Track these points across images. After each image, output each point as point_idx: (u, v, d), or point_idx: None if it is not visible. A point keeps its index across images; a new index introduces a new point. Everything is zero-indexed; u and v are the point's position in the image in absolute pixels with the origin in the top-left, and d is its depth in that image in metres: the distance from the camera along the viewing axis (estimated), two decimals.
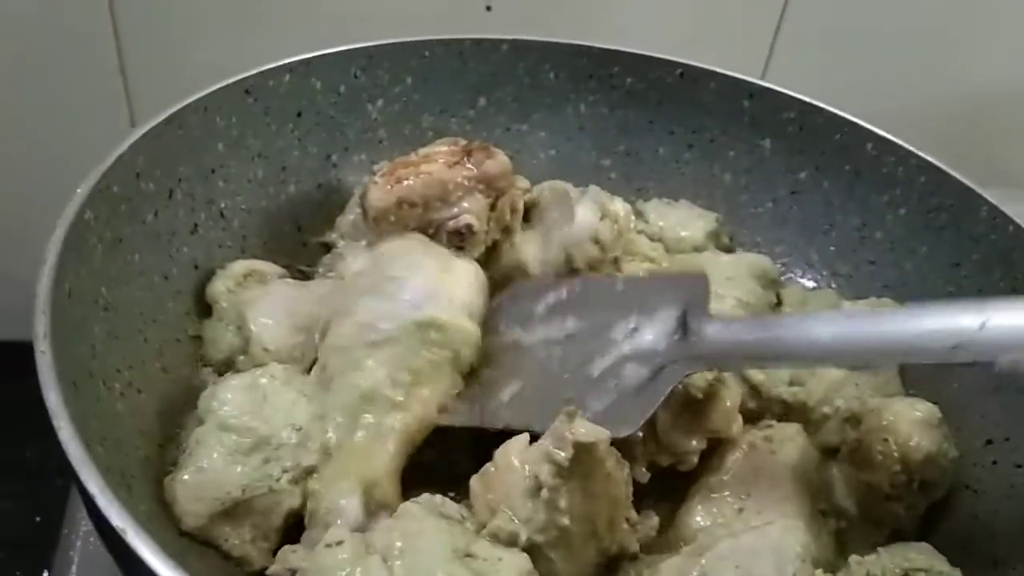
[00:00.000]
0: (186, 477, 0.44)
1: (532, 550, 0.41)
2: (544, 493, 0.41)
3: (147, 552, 0.30)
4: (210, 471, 0.44)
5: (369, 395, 0.46)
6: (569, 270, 0.57)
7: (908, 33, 0.94)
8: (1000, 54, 0.97)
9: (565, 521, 0.41)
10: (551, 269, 0.57)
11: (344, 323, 0.49)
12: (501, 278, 0.57)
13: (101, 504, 0.31)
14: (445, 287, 0.50)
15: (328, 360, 0.48)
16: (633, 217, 0.62)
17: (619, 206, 0.59)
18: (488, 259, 0.57)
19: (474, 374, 0.50)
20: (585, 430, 0.41)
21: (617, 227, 0.58)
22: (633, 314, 0.50)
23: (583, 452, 0.41)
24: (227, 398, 0.46)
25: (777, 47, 0.94)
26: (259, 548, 0.45)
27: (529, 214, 0.61)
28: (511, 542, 0.41)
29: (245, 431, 0.45)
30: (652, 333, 0.48)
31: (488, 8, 0.90)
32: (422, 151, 0.60)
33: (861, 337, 0.43)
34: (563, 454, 0.41)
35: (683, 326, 0.48)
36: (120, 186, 0.48)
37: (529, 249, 0.58)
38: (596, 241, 0.57)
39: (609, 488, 0.43)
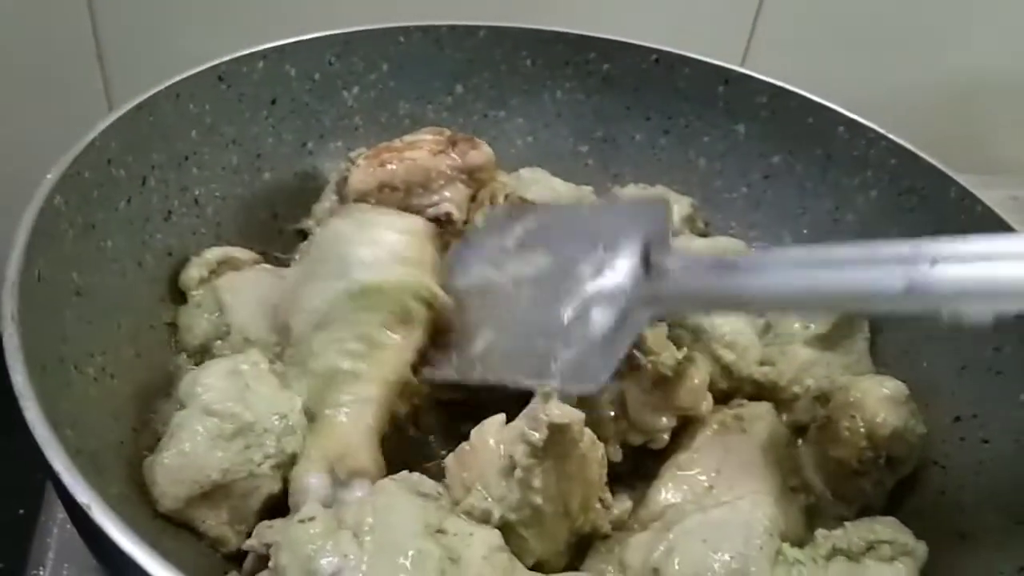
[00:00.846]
0: (166, 459, 0.44)
1: (505, 528, 0.41)
2: (518, 473, 0.42)
3: (112, 528, 0.30)
4: (191, 454, 0.44)
5: (328, 375, 0.46)
6: None
7: (887, 20, 0.95)
8: (978, 43, 0.97)
9: (538, 500, 0.42)
10: None
11: (295, 317, 0.49)
12: None
13: (67, 481, 0.31)
14: (372, 250, 0.50)
15: (293, 353, 0.49)
16: None
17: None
18: None
19: (444, 321, 0.50)
20: (559, 411, 0.41)
21: None
22: (599, 247, 0.49)
23: (557, 433, 0.41)
24: (210, 383, 0.46)
25: (756, 34, 0.94)
26: (235, 530, 0.45)
27: None
28: (484, 519, 0.41)
29: (228, 416, 0.45)
30: (617, 269, 0.48)
31: None
32: (407, 138, 0.60)
33: (818, 283, 0.42)
34: (537, 435, 0.41)
35: (646, 260, 0.47)
36: (91, 172, 0.48)
37: None
38: None
39: (583, 469, 0.43)
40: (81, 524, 0.32)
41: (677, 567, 0.41)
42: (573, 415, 0.42)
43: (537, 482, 0.42)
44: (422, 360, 0.49)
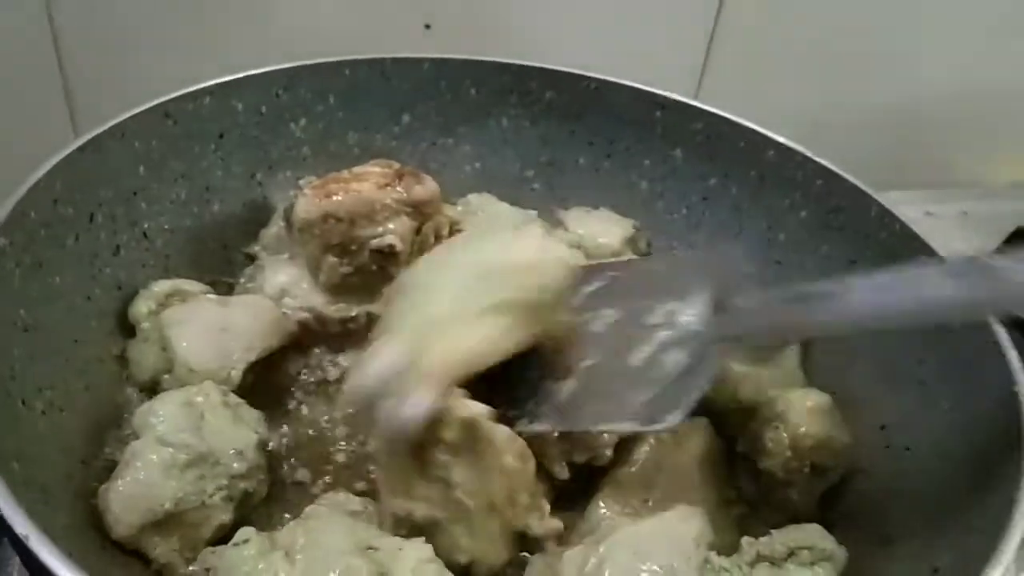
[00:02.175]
0: (121, 487, 0.45)
1: (434, 527, 0.43)
2: (437, 471, 0.43)
3: (50, 557, 0.31)
4: (145, 483, 0.45)
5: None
6: None
7: (838, 47, 0.99)
8: (929, 65, 1.02)
9: (459, 494, 0.43)
10: None
11: None
12: None
13: (7, 514, 0.33)
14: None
15: None
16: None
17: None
18: None
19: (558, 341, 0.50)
20: (465, 406, 0.43)
21: None
22: (670, 297, 0.50)
23: (468, 427, 0.43)
24: (165, 414, 0.47)
25: (709, 64, 0.98)
26: (185, 558, 0.46)
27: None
28: (412, 523, 0.43)
29: (182, 447, 0.46)
30: (688, 315, 0.49)
31: (427, 27, 0.93)
32: (355, 169, 0.62)
33: (891, 305, 0.44)
34: (450, 433, 0.43)
35: (717, 304, 0.48)
36: (37, 212, 0.49)
37: None
38: None
39: (501, 461, 0.44)
40: (23, 555, 0.33)
41: None
42: (478, 408, 0.43)
43: (456, 477, 0.43)
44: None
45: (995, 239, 0.94)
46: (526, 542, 0.47)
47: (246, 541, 0.40)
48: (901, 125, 1.06)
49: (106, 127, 0.55)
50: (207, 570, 0.42)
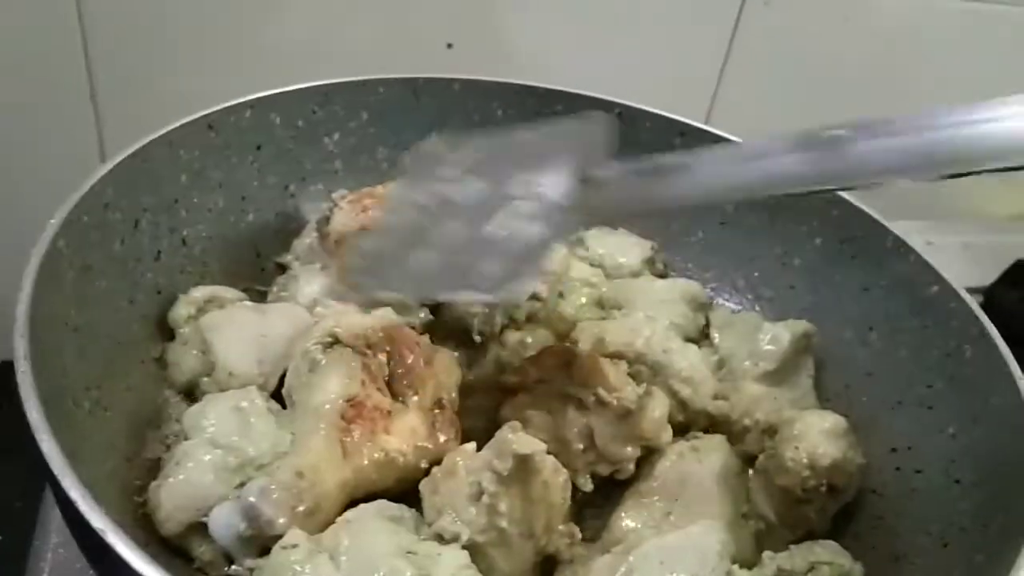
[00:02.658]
0: (173, 485, 0.46)
1: (473, 549, 0.45)
2: (485, 499, 0.45)
3: (125, 549, 0.33)
4: (196, 483, 0.46)
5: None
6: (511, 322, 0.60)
7: (845, 77, 1.01)
8: (931, 99, 1.04)
9: (504, 524, 0.45)
10: (494, 329, 0.60)
11: None
12: (445, 336, 0.59)
13: (83, 509, 0.34)
14: None
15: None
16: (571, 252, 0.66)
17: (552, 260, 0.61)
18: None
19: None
20: (524, 442, 0.45)
21: (554, 277, 0.62)
22: (533, 168, 0.49)
23: (522, 462, 0.45)
24: (216, 418, 0.49)
25: (720, 92, 1.00)
26: (226, 557, 0.47)
27: None
28: (453, 541, 0.44)
29: (233, 450, 0.47)
30: (549, 186, 0.48)
31: (449, 46, 0.95)
32: (390, 185, 0.63)
33: (739, 177, 0.44)
34: (503, 465, 0.44)
35: (582, 175, 0.48)
36: (90, 216, 0.51)
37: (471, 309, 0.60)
38: (534, 298, 0.61)
39: (546, 494, 0.47)
40: (91, 550, 0.35)
41: None
42: (535, 446, 0.45)
43: (503, 507, 0.45)
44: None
45: (995, 271, 0.97)
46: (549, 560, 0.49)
47: (295, 545, 0.41)
48: None
49: (153, 136, 0.57)
50: (250, 570, 0.43)
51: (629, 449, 0.53)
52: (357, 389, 0.49)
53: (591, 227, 0.50)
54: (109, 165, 0.53)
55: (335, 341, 0.50)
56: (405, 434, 0.50)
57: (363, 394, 0.49)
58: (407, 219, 0.51)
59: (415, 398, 0.52)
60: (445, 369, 0.55)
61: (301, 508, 0.44)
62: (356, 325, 0.52)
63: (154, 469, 0.50)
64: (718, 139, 0.71)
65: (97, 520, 0.34)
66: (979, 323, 0.54)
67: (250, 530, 0.43)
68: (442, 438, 0.52)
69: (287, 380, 0.52)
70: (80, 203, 0.50)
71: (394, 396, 0.52)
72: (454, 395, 0.55)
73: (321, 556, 0.41)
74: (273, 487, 0.44)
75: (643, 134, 0.74)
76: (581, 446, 0.53)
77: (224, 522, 0.44)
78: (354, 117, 0.71)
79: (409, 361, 0.53)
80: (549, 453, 0.47)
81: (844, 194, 0.65)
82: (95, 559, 0.35)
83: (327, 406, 0.48)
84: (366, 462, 0.48)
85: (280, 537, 0.43)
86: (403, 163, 0.57)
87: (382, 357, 0.52)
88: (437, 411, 0.53)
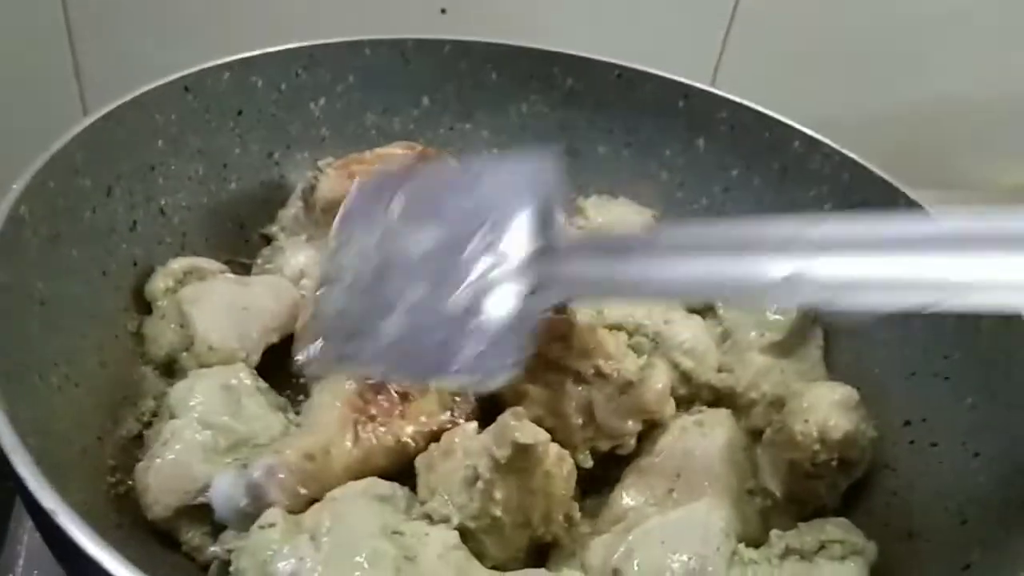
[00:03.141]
0: (160, 466, 0.44)
1: (464, 532, 0.42)
2: (480, 484, 0.43)
3: (77, 532, 0.30)
4: (185, 464, 0.44)
5: None
6: None
7: (855, 44, 0.98)
8: (941, 67, 1.02)
9: (497, 512, 0.42)
10: None
11: None
12: None
13: (32, 487, 0.32)
14: None
15: None
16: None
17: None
18: None
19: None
20: (526, 430, 0.42)
21: None
22: (488, 221, 0.46)
23: (521, 451, 0.42)
24: (205, 396, 0.47)
25: (726, 53, 0.97)
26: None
27: None
28: (443, 523, 0.42)
29: (223, 430, 0.46)
30: (508, 248, 0.45)
31: (443, 11, 0.92)
32: (378, 150, 0.61)
33: (706, 274, 0.42)
34: (500, 452, 0.42)
35: (539, 236, 0.45)
36: (57, 182, 0.48)
37: None
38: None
39: (547, 484, 0.44)
40: (46, 530, 0.32)
41: (637, 568, 0.42)
42: (538, 436, 0.43)
43: (498, 494, 0.42)
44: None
45: None
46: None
47: (272, 524, 0.39)
48: (909, 126, 1.05)
49: (126, 98, 0.54)
50: (229, 551, 0.41)
51: (630, 423, 0.51)
52: None
53: (553, 305, 0.46)
54: (77, 128, 0.50)
55: None
56: (419, 419, 0.48)
57: None
58: (364, 269, 0.48)
59: None
60: None
61: (305, 491, 0.43)
62: None
63: (129, 448, 0.48)
64: (724, 102, 0.68)
65: (48, 500, 0.31)
66: None
67: (251, 507, 0.42)
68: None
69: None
70: (44, 168, 0.47)
71: None
72: None
73: (301, 537, 0.39)
74: (280, 470, 0.42)
75: (643, 96, 0.71)
76: (580, 421, 0.50)
77: (226, 493, 0.43)
78: (340, 81, 0.68)
79: None
80: (548, 431, 0.44)
81: (855, 155, 0.62)
82: (50, 541, 0.33)
83: (348, 383, 0.47)
84: (376, 447, 0.46)
85: None
86: (346, 202, 0.52)
87: None
88: (457, 397, 0.50)
